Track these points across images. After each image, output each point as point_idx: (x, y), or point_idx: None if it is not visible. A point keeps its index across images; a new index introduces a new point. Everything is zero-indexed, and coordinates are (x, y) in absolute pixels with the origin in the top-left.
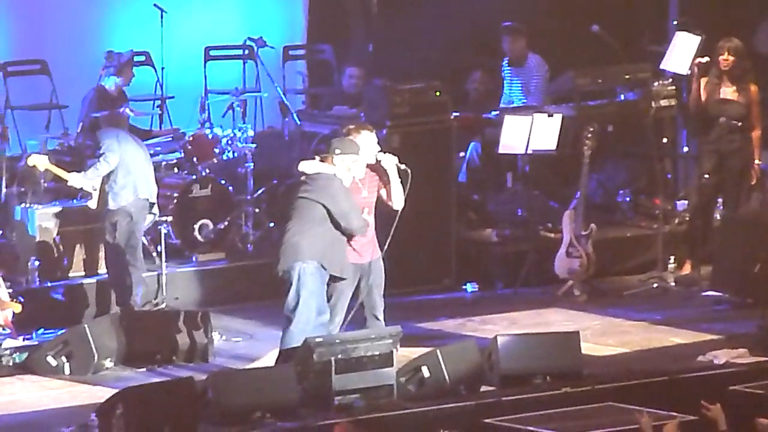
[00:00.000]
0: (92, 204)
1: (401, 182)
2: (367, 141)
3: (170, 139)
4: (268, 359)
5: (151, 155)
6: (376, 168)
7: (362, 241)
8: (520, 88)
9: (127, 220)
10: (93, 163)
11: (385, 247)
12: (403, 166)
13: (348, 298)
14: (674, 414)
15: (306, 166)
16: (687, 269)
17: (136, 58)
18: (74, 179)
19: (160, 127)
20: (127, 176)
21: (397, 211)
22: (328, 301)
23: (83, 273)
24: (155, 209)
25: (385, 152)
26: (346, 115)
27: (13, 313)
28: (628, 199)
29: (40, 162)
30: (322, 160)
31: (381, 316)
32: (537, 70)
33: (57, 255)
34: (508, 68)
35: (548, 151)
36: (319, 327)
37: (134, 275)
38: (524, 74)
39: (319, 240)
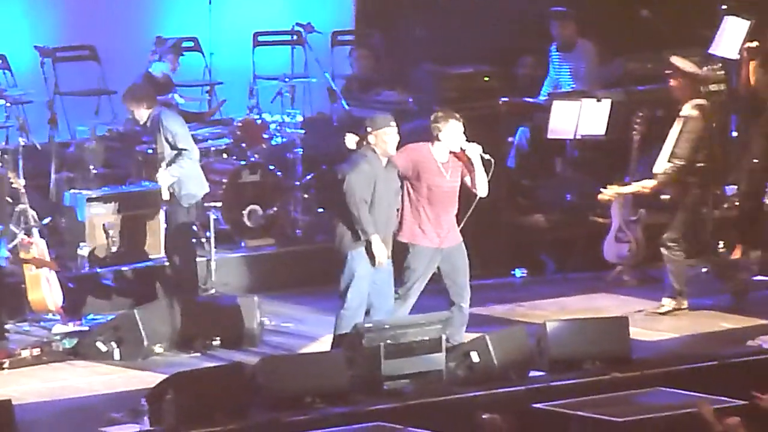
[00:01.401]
0: (165, 195)
1: (485, 170)
2: (453, 129)
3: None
4: (323, 344)
5: (200, 141)
6: (461, 156)
7: (445, 226)
8: (569, 73)
9: (191, 208)
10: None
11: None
12: (486, 156)
13: (423, 282)
14: (724, 399)
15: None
16: (737, 254)
17: (185, 44)
18: (162, 178)
19: None
20: (195, 166)
21: (478, 197)
22: (404, 283)
23: (133, 258)
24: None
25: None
26: (395, 100)
27: (63, 298)
28: None
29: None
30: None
31: (466, 304)
32: (586, 54)
33: (106, 240)
34: (557, 53)
35: (597, 136)
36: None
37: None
38: (573, 59)
39: None
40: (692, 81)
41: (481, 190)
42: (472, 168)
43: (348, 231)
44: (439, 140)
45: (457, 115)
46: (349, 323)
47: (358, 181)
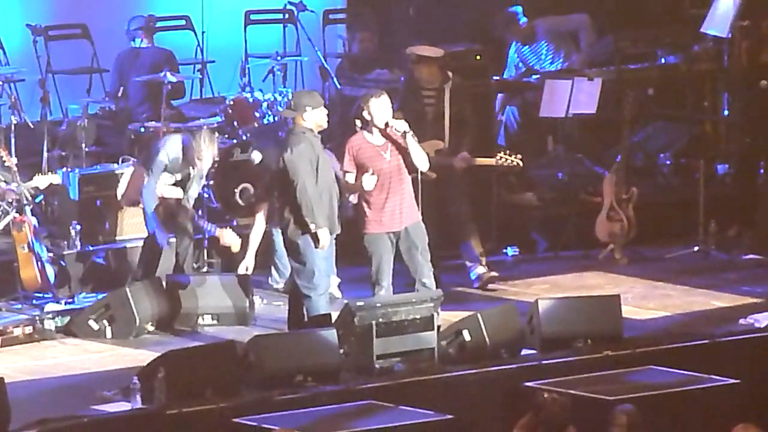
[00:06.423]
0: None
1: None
2: (380, 105)
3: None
4: None
5: (192, 120)
6: (391, 134)
7: (394, 209)
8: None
9: None
10: None
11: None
12: (411, 132)
13: (389, 262)
14: (716, 377)
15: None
16: (733, 233)
17: (176, 23)
18: None
19: (201, 92)
20: None
21: (423, 173)
22: (371, 270)
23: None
24: None
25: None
26: (385, 79)
27: (55, 276)
28: (668, 162)
29: None
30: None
31: (428, 281)
32: (582, 25)
33: (98, 219)
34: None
35: (589, 115)
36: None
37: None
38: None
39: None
40: (437, 64)
41: (421, 164)
42: (406, 144)
43: (294, 216)
44: (370, 123)
45: (382, 91)
46: (322, 305)
47: (300, 162)
